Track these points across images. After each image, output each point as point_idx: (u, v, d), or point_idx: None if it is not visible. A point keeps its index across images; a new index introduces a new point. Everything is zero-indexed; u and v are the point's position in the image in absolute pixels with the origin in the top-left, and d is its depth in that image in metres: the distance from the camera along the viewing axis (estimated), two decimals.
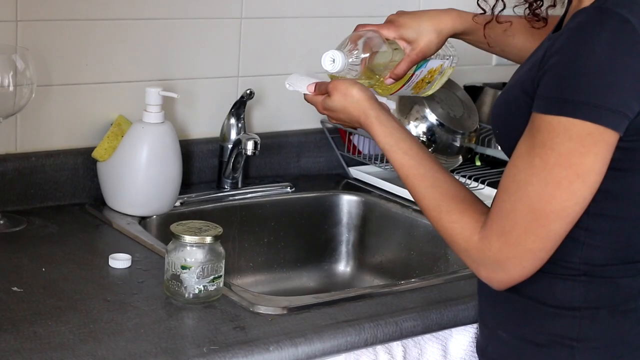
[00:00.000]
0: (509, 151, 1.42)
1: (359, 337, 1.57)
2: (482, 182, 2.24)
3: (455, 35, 1.73)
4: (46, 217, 1.95)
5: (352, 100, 1.55)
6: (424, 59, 1.70)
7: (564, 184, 1.29)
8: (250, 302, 1.62)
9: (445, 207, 1.42)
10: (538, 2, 1.55)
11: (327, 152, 2.38)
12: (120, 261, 1.74)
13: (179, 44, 2.15)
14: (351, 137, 2.37)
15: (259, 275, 2.17)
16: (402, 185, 2.22)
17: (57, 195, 2.02)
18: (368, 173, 2.33)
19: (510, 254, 1.34)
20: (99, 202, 2.04)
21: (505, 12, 1.62)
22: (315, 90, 1.60)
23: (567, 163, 1.29)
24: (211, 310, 1.59)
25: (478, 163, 2.44)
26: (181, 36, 2.15)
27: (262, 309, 1.60)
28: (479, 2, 1.61)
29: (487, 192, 2.19)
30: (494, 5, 1.62)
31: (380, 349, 1.62)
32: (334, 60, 1.58)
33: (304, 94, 1.62)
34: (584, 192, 1.30)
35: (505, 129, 1.44)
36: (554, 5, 1.56)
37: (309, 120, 2.33)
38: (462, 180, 2.25)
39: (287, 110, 2.31)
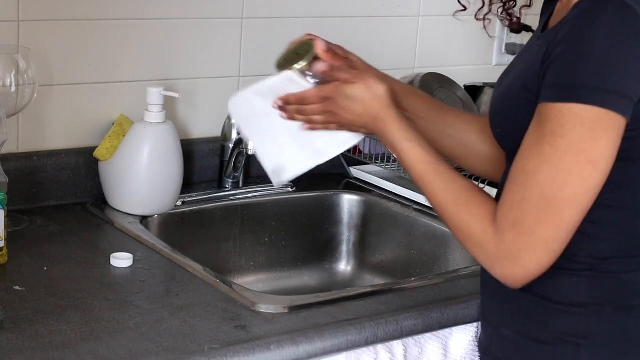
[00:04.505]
0: (510, 149, 1.43)
1: (359, 336, 1.58)
2: (482, 182, 2.24)
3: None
4: (48, 216, 1.95)
5: (375, 94, 1.50)
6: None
7: (575, 170, 1.29)
8: (251, 301, 1.62)
9: (464, 199, 1.41)
10: (511, 3, 1.55)
11: None
12: (121, 260, 1.74)
13: (180, 44, 2.15)
14: None
15: (260, 275, 2.17)
16: (403, 185, 2.24)
17: (58, 194, 2.03)
18: (369, 173, 2.34)
19: (524, 244, 1.33)
20: (101, 201, 2.04)
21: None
22: (329, 68, 1.52)
23: (578, 149, 1.29)
24: (212, 309, 1.59)
25: None
26: (182, 36, 2.15)
27: (263, 308, 1.61)
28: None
29: (486, 191, 2.19)
30: None
31: (381, 347, 1.62)
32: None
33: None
34: (596, 178, 1.30)
35: (508, 127, 1.44)
36: (529, 6, 1.57)
37: None
38: None
39: None
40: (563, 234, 1.33)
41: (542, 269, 1.35)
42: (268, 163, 1.59)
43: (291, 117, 1.56)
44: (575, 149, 1.29)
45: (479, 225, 1.37)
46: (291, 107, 1.55)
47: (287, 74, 1.55)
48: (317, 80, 1.55)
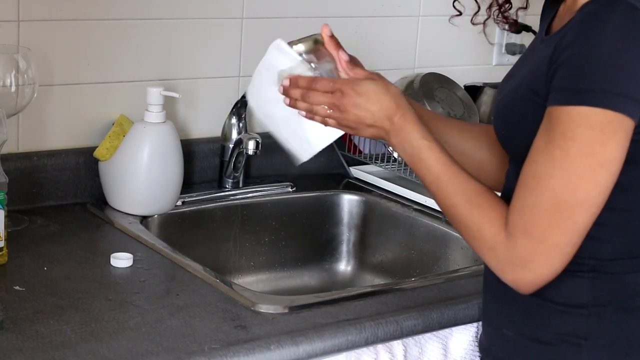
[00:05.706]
0: (515, 151, 1.43)
1: (359, 336, 1.58)
2: None
3: None
4: (48, 216, 1.96)
5: (392, 93, 1.47)
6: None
7: (587, 173, 1.29)
8: (251, 301, 1.62)
9: (477, 201, 1.40)
10: (507, 5, 1.55)
11: (327, 152, 2.36)
12: (121, 260, 1.74)
13: (180, 44, 2.15)
14: (352, 136, 2.37)
15: (260, 275, 2.17)
16: (403, 185, 2.24)
17: (58, 194, 2.03)
18: (369, 173, 2.34)
19: (537, 250, 1.33)
20: (101, 201, 2.04)
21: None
22: (348, 64, 1.49)
23: (589, 152, 1.29)
24: (212, 309, 1.59)
25: None
26: (183, 36, 2.15)
27: (263, 308, 1.61)
28: (454, 4, 1.60)
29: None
30: None
31: (381, 347, 1.62)
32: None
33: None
34: (607, 180, 1.30)
35: (513, 129, 1.44)
36: (525, 7, 1.57)
37: None
38: None
39: None
40: (576, 238, 1.33)
41: (555, 274, 1.35)
42: (286, 145, 1.56)
43: (292, 104, 1.51)
44: (585, 151, 1.29)
45: (491, 229, 1.37)
46: (296, 91, 1.49)
47: (276, 42, 1.50)
48: (315, 66, 1.50)
